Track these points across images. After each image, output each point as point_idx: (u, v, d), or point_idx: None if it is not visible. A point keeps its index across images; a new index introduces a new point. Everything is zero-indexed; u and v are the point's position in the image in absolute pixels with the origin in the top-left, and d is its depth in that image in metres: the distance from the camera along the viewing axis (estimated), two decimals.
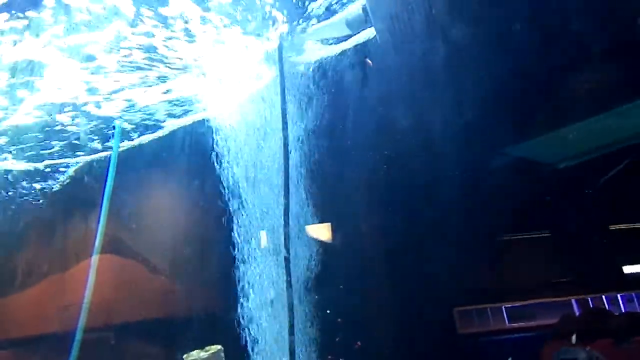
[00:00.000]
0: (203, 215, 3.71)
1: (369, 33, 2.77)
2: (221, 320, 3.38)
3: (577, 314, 3.48)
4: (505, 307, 3.81)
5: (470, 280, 3.70)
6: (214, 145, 3.21)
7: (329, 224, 3.68)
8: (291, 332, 2.80)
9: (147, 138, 3.93)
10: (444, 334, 3.81)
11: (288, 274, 2.86)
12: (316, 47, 2.95)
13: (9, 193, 4.30)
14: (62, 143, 3.95)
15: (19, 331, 4.15)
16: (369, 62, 3.03)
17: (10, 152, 4.06)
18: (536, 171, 3.59)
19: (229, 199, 3.16)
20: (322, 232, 3.61)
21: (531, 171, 3.59)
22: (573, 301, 3.60)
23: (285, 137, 2.84)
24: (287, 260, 2.88)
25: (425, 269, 3.66)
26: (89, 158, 4.08)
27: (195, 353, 2.69)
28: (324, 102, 3.03)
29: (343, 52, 2.87)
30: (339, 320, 3.51)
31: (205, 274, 3.71)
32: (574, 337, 2.64)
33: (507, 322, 3.79)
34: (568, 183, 3.55)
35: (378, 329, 3.79)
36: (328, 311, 3.43)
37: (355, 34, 2.79)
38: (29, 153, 4.05)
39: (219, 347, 2.73)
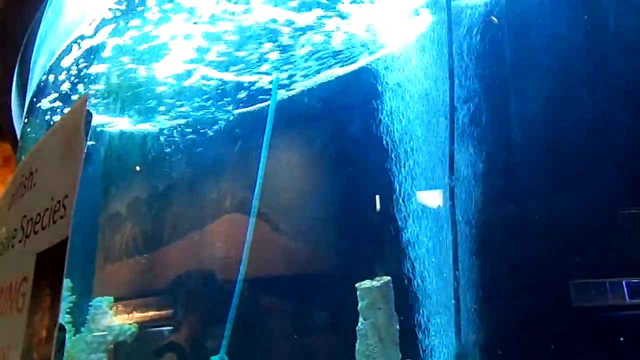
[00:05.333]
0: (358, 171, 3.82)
1: None
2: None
3: None
4: (626, 282, 3.77)
5: (588, 252, 3.70)
6: (368, 97, 3.35)
7: None
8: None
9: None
10: (558, 307, 3.81)
11: (454, 230, 2.99)
12: None
13: (160, 153, 4.68)
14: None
15: (167, 281, 4.51)
16: (494, 19, 3.13)
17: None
18: None
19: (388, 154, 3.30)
20: None
21: None
22: None
23: (452, 91, 2.97)
24: (452, 214, 3.02)
25: (542, 239, 3.69)
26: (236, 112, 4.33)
27: (368, 282, 2.90)
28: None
29: None
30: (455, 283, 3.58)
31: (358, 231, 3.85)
32: None
33: (627, 298, 3.74)
34: None
35: (493, 297, 3.84)
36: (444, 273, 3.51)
37: None
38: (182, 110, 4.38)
39: (389, 278, 2.94)
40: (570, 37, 3.07)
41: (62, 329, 1.02)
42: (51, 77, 4.58)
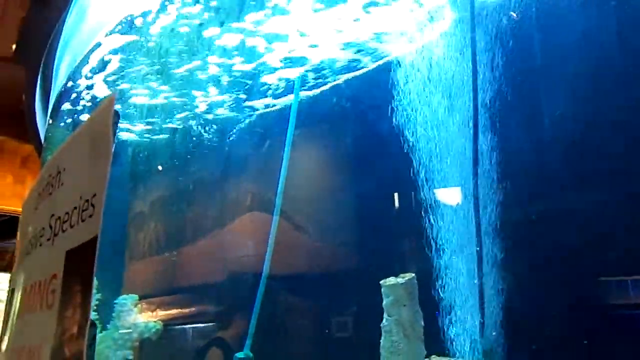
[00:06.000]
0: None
1: None
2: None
3: None
4: None
5: (615, 249, 3.62)
6: (391, 95, 3.31)
7: None
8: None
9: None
10: (582, 305, 3.74)
11: (477, 220, 2.95)
12: None
13: (185, 153, 4.72)
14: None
15: (191, 280, 4.56)
16: (514, 14, 3.07)
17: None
18: None
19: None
20: None
21: None
22: None
23: (475, 87, 2.91)
24: (476, 205, 2.98)
25: (566, 237, 3.62)
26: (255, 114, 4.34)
27: (392, 279, 2.89)
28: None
29: None
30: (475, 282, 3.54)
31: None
32: None
33: None
34: None
35: (517, 294, 3.79)
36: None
37: None
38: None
39: (413, 274, 2.92)
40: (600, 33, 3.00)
41: (92, 324, 1.03)
42: (75, 81, 4.65)
